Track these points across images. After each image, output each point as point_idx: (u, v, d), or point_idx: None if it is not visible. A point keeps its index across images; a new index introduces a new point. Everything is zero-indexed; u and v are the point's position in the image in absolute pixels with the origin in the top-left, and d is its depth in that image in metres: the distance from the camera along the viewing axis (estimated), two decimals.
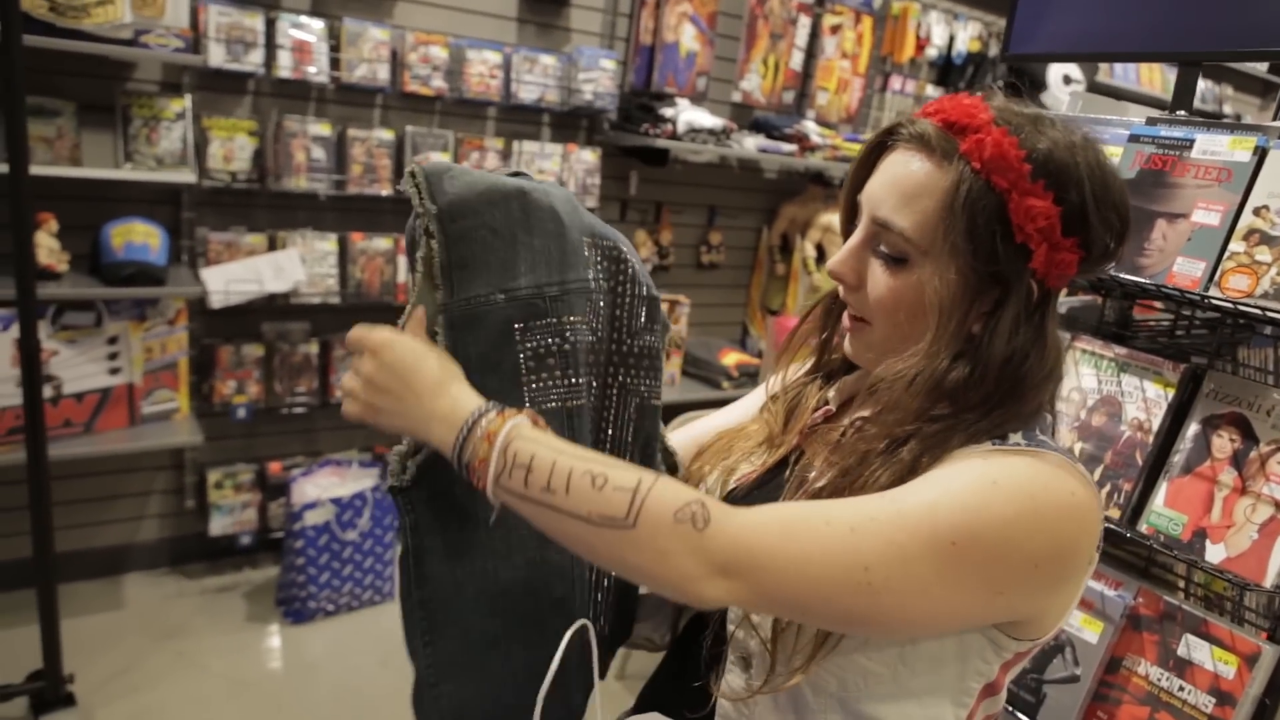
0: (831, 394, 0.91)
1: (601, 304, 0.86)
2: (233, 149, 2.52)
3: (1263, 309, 1.07)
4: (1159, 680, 1.21)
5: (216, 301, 2.50)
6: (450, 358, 0.79)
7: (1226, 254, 1.13)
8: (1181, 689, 1.19)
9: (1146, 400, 1.25)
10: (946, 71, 3.97)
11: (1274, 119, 1.61)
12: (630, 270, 0.88)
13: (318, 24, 2.56)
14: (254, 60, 2.48)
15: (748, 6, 3.34)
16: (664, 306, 1.03)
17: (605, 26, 3.16)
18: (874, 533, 0.66)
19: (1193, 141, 1.19)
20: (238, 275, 2.55)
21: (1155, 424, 1.24)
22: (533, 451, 0.70)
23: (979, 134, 0.73)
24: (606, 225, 0.89)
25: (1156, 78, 4.61)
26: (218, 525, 2.77)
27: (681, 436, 1.04)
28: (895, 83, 3.88)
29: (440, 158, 2.83)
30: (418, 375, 0.76)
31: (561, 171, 3.05)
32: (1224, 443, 1.18)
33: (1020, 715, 1.30)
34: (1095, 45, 1.39)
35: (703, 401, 3.04)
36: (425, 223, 0.81)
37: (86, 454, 2.36)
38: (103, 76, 2.40)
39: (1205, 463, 1.19)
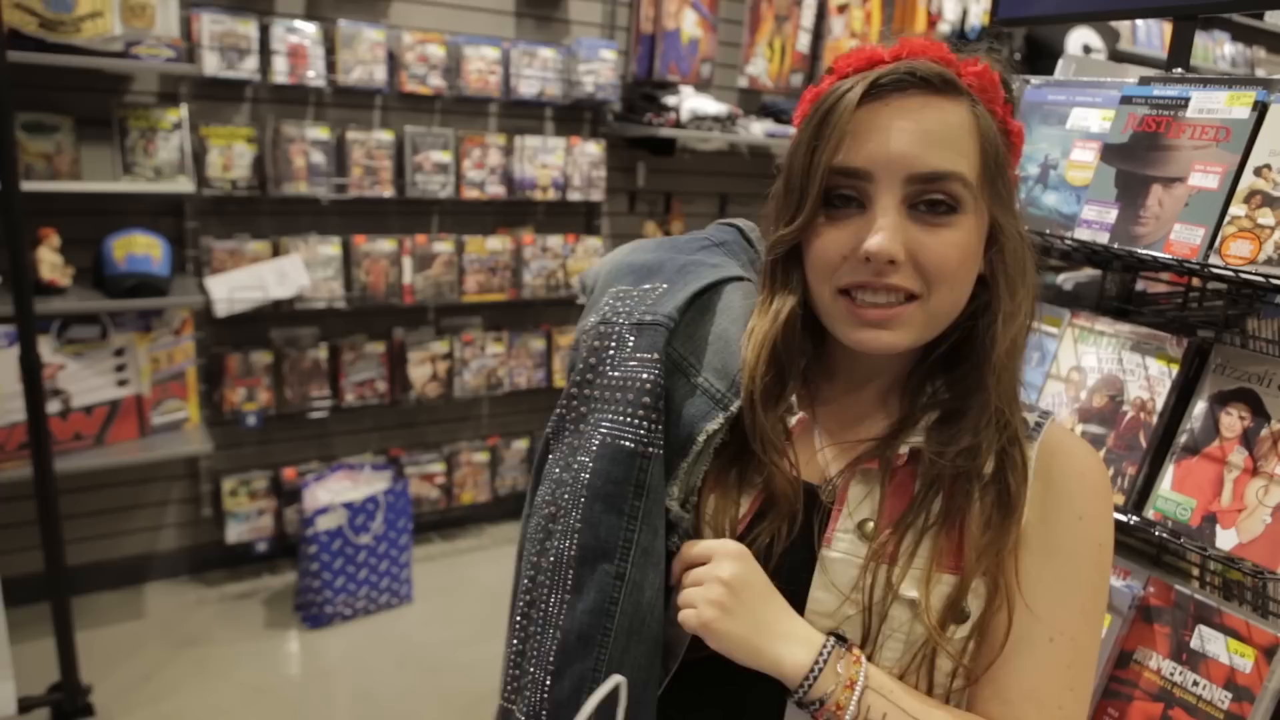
0: (794, 400, 0.80)
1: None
2: (231, 157, 2.52)
3: (1266, 276, 1.00)
4: (1171, 675, 1.13)
5: (221, 310, 2.51)
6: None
7: (1227, 218, 1.05)
8: (1196, 684, 1.11)
9: (1150, 378, 1.18)
10: (959, 48, 3.86)
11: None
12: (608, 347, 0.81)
13: (311, 28, 2.55)
14: (249, 67, 2.47)
15: None
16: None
17: (605, 16, 3.11)
18: (1085, 680, 0.76)
19: (1188, 100, 1.11)
20: (242, 283, 2.55)
21: (1159, 403, 1.16)
22: (884, 711, 0.70)
23: (967, 64, 0.73)
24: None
25: None
26: (234, 532, 2.79)
27: None
28: None
29: (441, 157, 2.81)
30: (773, 589, 0.74)
31: (566, 165, 3.01)
32: (1233, 421, 1.10)
33: None
34: (1088, 5, 1.31)
35: None
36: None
37: (99, 466, 2.38)
38: (100, 90, 2.41)
39: (1214, 443, 1.11)
